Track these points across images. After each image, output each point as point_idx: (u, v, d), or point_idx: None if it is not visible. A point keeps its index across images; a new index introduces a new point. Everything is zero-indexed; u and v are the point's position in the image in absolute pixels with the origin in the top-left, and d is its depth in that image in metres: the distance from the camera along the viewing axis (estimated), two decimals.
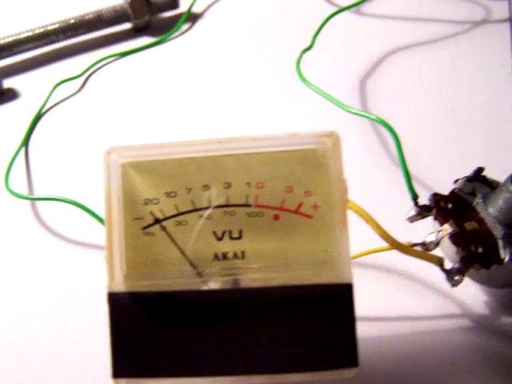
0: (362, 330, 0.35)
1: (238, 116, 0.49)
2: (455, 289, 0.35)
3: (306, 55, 0.48)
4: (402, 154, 0.36)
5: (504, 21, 0.53)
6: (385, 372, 0.35)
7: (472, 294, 0.37)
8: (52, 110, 0.51)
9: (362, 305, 0.35)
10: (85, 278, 0.39)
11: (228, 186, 0.30)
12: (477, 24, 0.53)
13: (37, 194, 0.45)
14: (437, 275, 0.34)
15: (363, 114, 0.40)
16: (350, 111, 0.41)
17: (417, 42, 0.52)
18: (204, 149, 0.30)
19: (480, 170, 0.38)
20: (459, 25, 0.53)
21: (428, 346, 0.36)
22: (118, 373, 0.29)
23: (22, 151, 0.48)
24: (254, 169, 0.30)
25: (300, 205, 0.30)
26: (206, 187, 0.30)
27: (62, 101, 0.52)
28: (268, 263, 0.29)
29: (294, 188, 0.30)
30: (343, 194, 0.29)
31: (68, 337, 0.37)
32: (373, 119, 0.39)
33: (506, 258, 0.34)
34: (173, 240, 0.30)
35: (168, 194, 0.30)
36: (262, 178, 0.30)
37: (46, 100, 0.51)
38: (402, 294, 0.38)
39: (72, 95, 0.52)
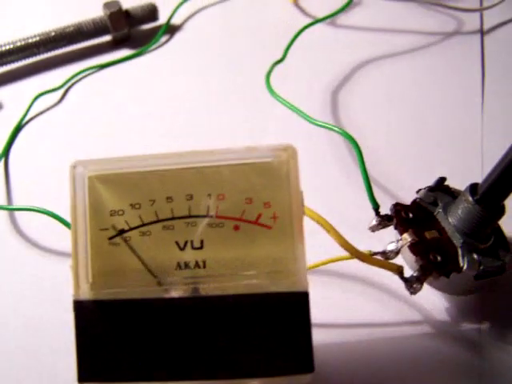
0: (323, 336, 0.36)
1: (211, 128, 0.49)
2: (416, 296, 0.36)
3: (278, 67, 0.49)
4: (363, 164, 0.37)
5: (475, 32, 0.54)
6: (346, 377, 0.36)
7: (433, 301, 0.38)
8: (32, 122, 0.52)
9: (323, 312, 0.36)
10: (60, 285, 0.40)
11: (190, 197, 0.31)
12: (449, 35, 0.54)
13: (15, 204, 0.46)
14: (398, 282, 0.35)
15: (328, 126, 0.41)
16: (315, 124, 0.42)
17: (389, 53, 0.53)
18: (166, 162, 0.31)
19: (442, 179, 0.39)
20: (431, 36, 0.54)
21: (389, 352, 0.37)
22: (82, 377, 0.30)
23: (2, 162, 0.49)
24: (215, 181, 0.31)
25: (259, 216, 0.31)
26: (169, 199, 0.31)
27: (42, 112, 0.52)
28: (228, 272, 0.30)
29: (253, 199, 0.31)
30: (299, 205, 0.30)
31: (41, 343, 0.38)
32: (336, 131, 0.40)
33: (465, 267, 0.35)
34: (133, 251, 0.31)
35: (133, 206, 0.31)
36: (222, 190, 0.31)
37: (26, 111, 0.52)
38: (363, 301, 0.39)
39: (52, 107, 0.53)
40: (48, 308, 0.40)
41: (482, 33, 0.54)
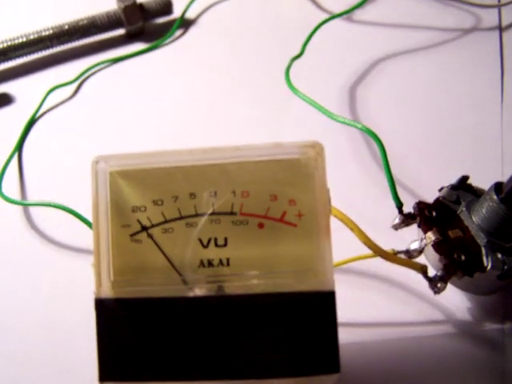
0: (347, 336, 0.36)
1: (228, 124, 0.49)
2: (439, 295, 0.35)
3: (296, 63, 0.49)
4: (387, 162, 0.37)
5: (494, 28, 0.54)
6: (368, 377, 0.35)
7: (456, 300, 0.38)
8: (45, 116, 0.51)
9: (347, 311, 0.36)
10: (76, 282, 0.39)
11: (214, 194, 0.30)
12: (466, 32, 0.54)
13: (29, 200, 0.46)
14: (421, 282, 0.35)
15: (349, 122, 0.41)
16: (337, 120, 0.41)
17: (407, 49, 0.52)
18: (190, 158, 0.31)
19: (465, 178, 0.38)
20: (449, 32, 0.54)
21: (412, 352, 0.36)
22: (104, 376, 0.30)
23: (16, 156, 0.48)
24: (239, 178, 0.30)
25: (284, 213, 0.30)
26: (193, 195, 0.30)
27: (56, 106, 0.52)
28: (252, 270, 0.30)
29: (278, 197, 0.30)
30: (326, 203, 0.30)
31: (59, 340, 0.38)
32: (359, 128, 0.39)
33: (489, 266, 0.35)
34: (159, 247, 0.30)
35: (155, 202, 0.31)
36: (247, 187, 0.30)
37: (40, 105, 0.51)
38: (386, 301, 0.38)
39: (65, 101, 0.52)
40: (64, 305, 0.39)
41: (501, 29, 0.53)
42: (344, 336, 0.35)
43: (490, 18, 0.55)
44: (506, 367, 0.35)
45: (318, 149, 0.30)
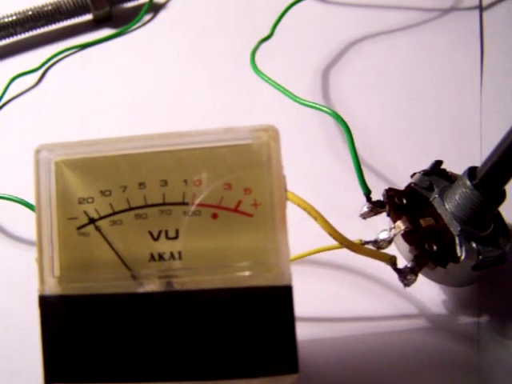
0: (314, 331, 0.34)
1: (195, 109, 0.47)
2: (411, 288, 0.33)
3: (266, 45, 0.47)
4: (353, 146, 0.35)
5: (474, 8, 0.52)
6: (337, 375, 0.34)
7: (429, 293, 0.36)
8: (8, 105, 0.50)
9: (312, 305, 0.34)
10: (32, 277, 0.37)
11: (164, 183, 0.29)
12: (445, 12, 0.52)
13: None
14: (392, 274, 0.33)
15: (316, 106, 0.38)
16: (303, 103, 0.39)
17: (383, 30, 0.50)
18: (138, 145, 0.29)
19: (438, 163, 0.37)
20: (427, 12, 0.52)
21: (382, 347, 0.35)
22: (50, 378, 0.28)
23: None
24: (191, 166, 0.29)
25: (239, 203, 0.28)
26: (142, 185, 0.29)
27: (19, 95, 0.50)
28: (205, 264, 0.28)
29: (232, 185, 0.28)
30: (282, 192, 0.28)
31: (12, 339, 0.36)
32: (325, 111, 0.37)
33: (463, 256, 0.33)
34: (107, 241, 0.29)
35: (103, 193, 0.29)
36: (199, 175, 0.28)
37: (2, 94, 0.49)
38: (354, 294, 0.36)
39: (29, 89, 0.51)
40: (18, 301, 0.38)
41: (481, 9, 0.51)
42: (311, 331, 0.34)
43: None
44: (481, 361, 0.34)
45: (271, 133, 0.28)
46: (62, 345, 0.28)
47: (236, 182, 0.28)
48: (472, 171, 0.33)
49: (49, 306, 0.28)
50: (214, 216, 0.28)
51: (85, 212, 0.29)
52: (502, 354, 0.34)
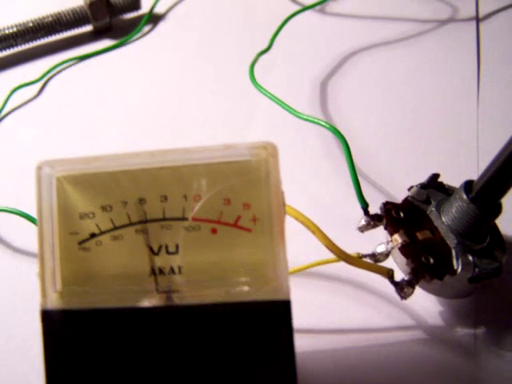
0: (313, 342, 0.34)
1: (194, 122, 0.47)
2: (408, 300, 0.34)
3: (264, 58, 0.47)
4: (351, 159, 0.35)
5: (471, 19, 0.52)
6: None
7: (426, 305, 0.36)
8: (9, 117, 0.50)
9: (311, 317, 0.34)
10: (33, 288, 0.38)
11: (164, 199, 0.29)
12: (443, 23, 0.52)
13: None
14: (390, 286, 0.33)
15: (313, 120, 0.39)
16: (301, 117, 0.39)
17: (381, 42, 0.51)
18: (138, 161, 0.29)
19: (435, 176, 0.37)
20: (425, 24, 0.52)
21: (379, 359, 0.35)
22: None
23: None
24: (191, 181, 0.29)
25: (238, 218, 0.29)
26: (142, 201, 0.29)
27: (20, 106, 0.50)
28: (205, 278, 0.28)
29: (231, 201, 0.29)
30: (280, 207, 0.28)
31: (14, 349, 0.36)
32: (322, 125, 0.38)
33: (459, 269, 0.33)
34: (108, 256, 0.29)
35: (104, 208, 0.29)
36: (198, 191, 0.29)
37: (3, 105, 0.50)
38: (352, 306, 0.37)
39: (30, 100, 0.51)
40: (21, 313, 0.38)
41: (478, 20, 0.52)
42: (309, 343, 0.34)
43: (467, 8, 0.53)
44: (478, 373, 0.34)
45: (270, 149, 0.28)
46: (63, 358, 0.28)
47: (235, 197, 0.29)
48: (468, 185, 0.34)
49: (51, 320, 0.29)
50: (214, 231, 0.29)
51: (86, 227, 0.29)
52: (499, 365, 0.34)
